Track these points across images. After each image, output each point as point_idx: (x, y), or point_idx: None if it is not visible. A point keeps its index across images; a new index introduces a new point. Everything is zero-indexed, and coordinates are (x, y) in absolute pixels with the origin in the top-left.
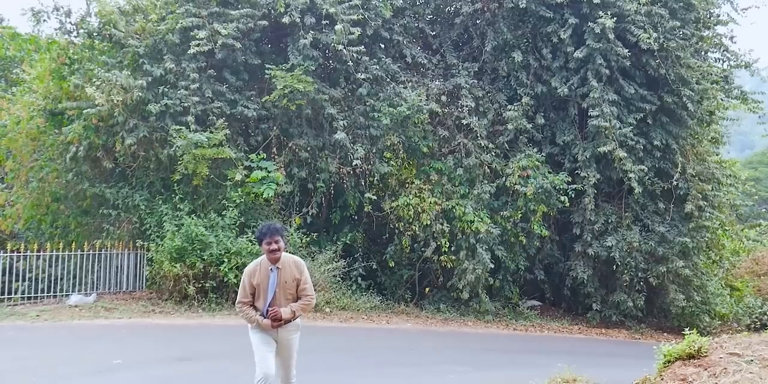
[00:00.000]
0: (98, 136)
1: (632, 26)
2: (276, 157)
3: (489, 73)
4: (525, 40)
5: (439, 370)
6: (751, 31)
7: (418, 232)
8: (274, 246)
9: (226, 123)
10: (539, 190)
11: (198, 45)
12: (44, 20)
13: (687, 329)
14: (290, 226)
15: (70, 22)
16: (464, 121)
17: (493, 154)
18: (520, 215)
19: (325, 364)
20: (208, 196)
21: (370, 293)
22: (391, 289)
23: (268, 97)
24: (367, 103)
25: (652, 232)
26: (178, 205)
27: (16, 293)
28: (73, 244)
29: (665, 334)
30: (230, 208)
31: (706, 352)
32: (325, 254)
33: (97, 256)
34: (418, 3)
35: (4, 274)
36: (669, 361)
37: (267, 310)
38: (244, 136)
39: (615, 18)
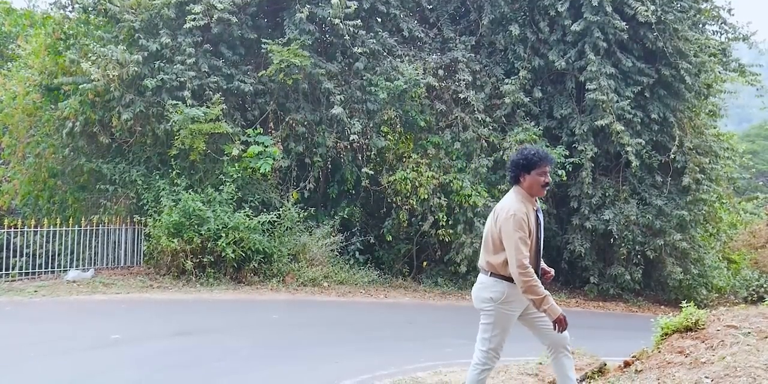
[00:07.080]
0: (94, 111)
1: None
2: (273, 131)
3: (486, 47)
4: (522, 14)
5: (437, 344)
6: (750, 3)
7: (415, 207)
8: (548, 178)
9: (223, 98)
10: None
11: (194, 19)
12: None
13: (684, 302)
14: (287, 200)
15: None
16: (461, 95)
17: (491, 127)
18: None
19: (322, 338)
20: (205, 171)
21: (368, 267)
22: (389, 263)
23: (264, 71)
24: (364, 78)
25: (650, 205)
26: (175, 181)
27: (13, 269)
28: (71, 219)
29: (662, 307)
30: (227, 183)
31: (703, 325)
32: (322, 229)
33: (94, 231)
34: None
35: (1, 250)
36: (666, 334)
37: (540, 270)
38: (241, 111)
39: None
